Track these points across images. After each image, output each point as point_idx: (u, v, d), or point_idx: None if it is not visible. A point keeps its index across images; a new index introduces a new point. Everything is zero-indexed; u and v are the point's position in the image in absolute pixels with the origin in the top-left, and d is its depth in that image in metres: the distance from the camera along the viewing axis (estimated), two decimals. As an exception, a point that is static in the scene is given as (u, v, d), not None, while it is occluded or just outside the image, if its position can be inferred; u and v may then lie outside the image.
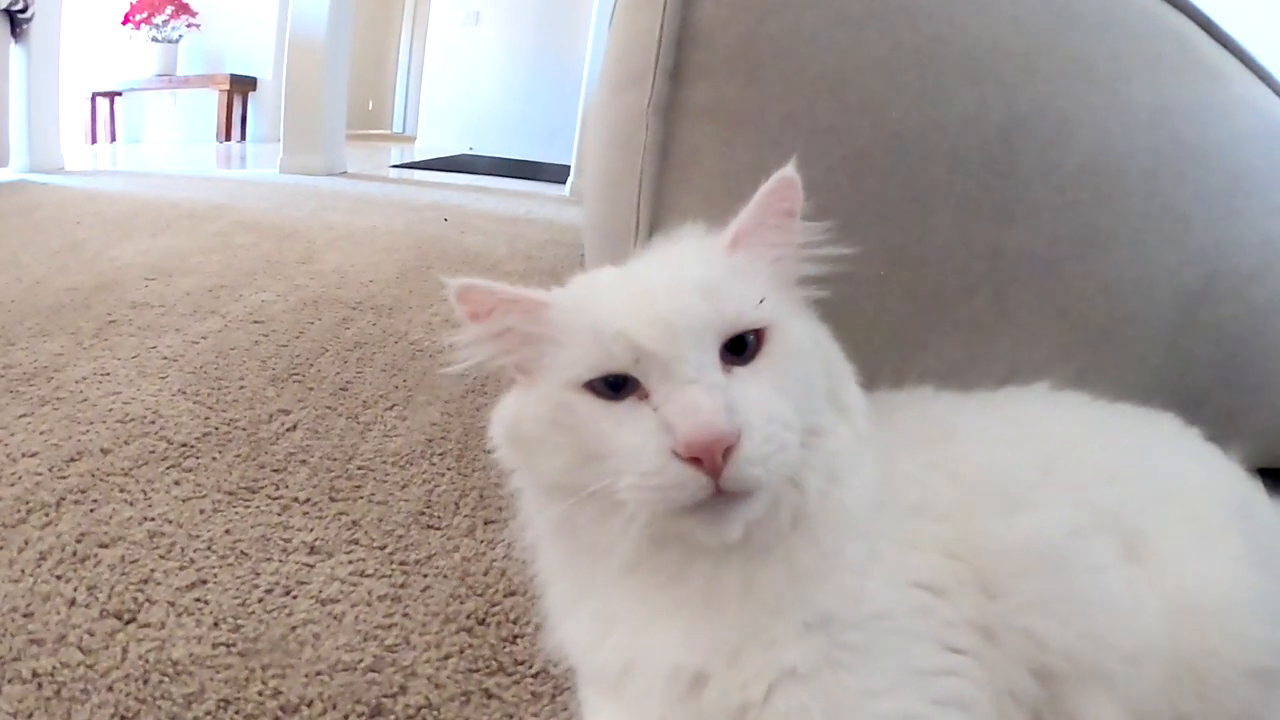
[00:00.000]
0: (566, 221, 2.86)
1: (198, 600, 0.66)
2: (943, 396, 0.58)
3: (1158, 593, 0.47)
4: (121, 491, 0.81)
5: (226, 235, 2.06)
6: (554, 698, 0.59)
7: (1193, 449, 0.58)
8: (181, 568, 0.70)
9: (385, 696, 0.58)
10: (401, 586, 0.70)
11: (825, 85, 0.64)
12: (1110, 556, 0.47)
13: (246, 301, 1.49)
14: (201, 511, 0.79)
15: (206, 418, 1.00)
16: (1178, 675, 0.45)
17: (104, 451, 0.89)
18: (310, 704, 0.56)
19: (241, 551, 0.73)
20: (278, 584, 0.69)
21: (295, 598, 0.68)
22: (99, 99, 5.00)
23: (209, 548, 0.73)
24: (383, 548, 0.76)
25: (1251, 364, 0.82)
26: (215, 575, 0.70)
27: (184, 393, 1.06)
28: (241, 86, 5.29)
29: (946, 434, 0.52)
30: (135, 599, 0.65)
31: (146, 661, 0.59)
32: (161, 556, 0.71)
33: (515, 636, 0.65)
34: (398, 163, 4.90)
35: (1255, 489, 0.57)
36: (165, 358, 1.18)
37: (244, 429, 0.98)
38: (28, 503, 0.77)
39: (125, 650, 0.60)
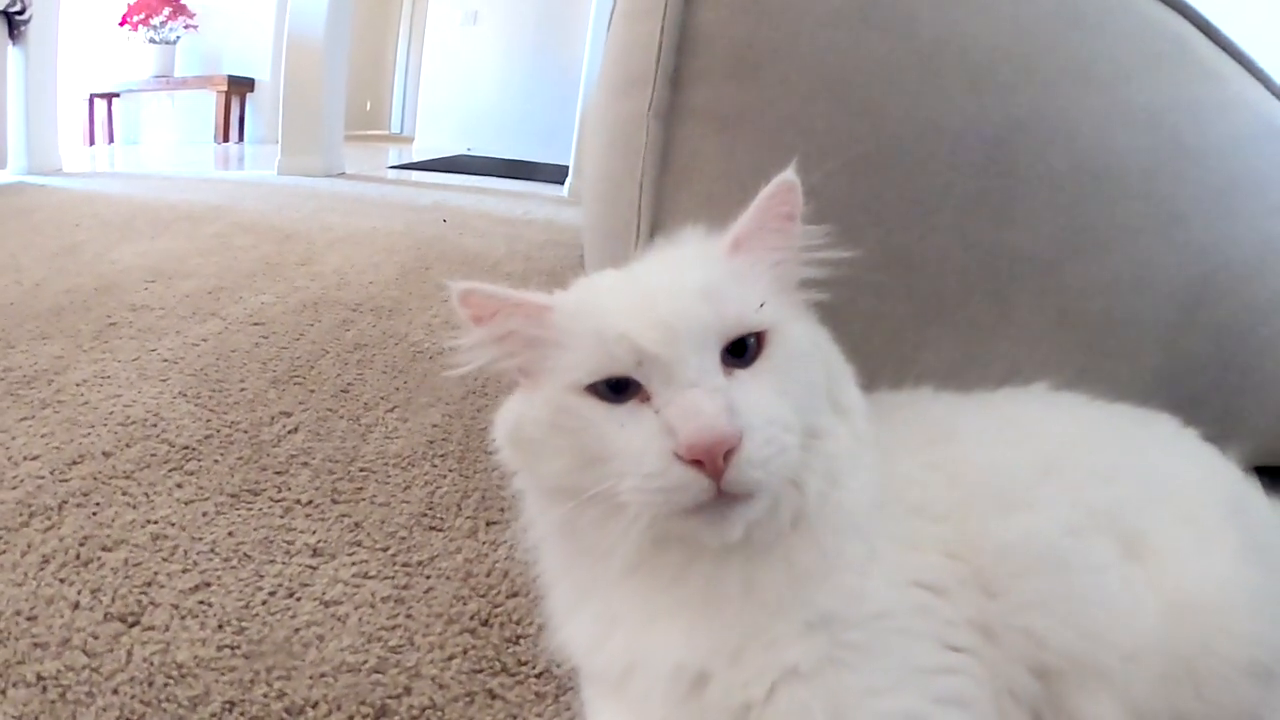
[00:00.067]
0: (565, 222, 2.86)
1: (201, 603, 0.66)
2: (942, 397, 0.58)
3: (1156, 591, 0.47)
4: (124, 494, 0.82)
5: (225, 237, 2.06)
6: (557, 698, 0.59)
7: (1190, 449, 0.58)
8: (185, 570, 0.70)
9: (390, 697, 0.58)
10: (404, 588, 0.71)
11: (825, 88, 0.65)
12: (1108, 556, 0.48)
13: (246, 303, 1.49)
14: (204, 514, 0.80)
15: (208, 420, 1.00)
16: (1176, 673, 0.46)
17: (105, 454, 0.89)
18: (315, 705, 0.57)
19: (244, 554, 0.74)
20: (281, 586, 0.69)
21: (299, 600, 0.68)
22: (97, 100, 5.00)
23: (212, 550, 0.74)
24: (385, 549, 0.76)
25: (1250, 364, 0.83)
26: (219, 578, 0.70)
27: (185, 395, 1.06)
28: (239, 88, 5.29)
29: (946, 435, 0.53)
30: (139, 602, 0.66)
31: (151, 664, 0.59)
32: (165, 559, 0.72)
33: (518, 637, 0.65)
34: (396, 163, 4.90)
35: (1252, 488, 0.58)
36: (165, 360, 1.18)
37: (245, 431, 0.98)
38: (30, 506, 0.78)
39: (130, 653, 0.60)
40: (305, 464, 0.91)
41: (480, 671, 0.61)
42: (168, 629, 0.63)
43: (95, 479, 0.84)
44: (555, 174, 4.31)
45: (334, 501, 0.84)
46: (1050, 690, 0.45)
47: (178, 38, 5.08)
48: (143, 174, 3.44)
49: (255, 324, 1.37)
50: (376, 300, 1.58)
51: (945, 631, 0.45)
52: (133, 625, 0.63)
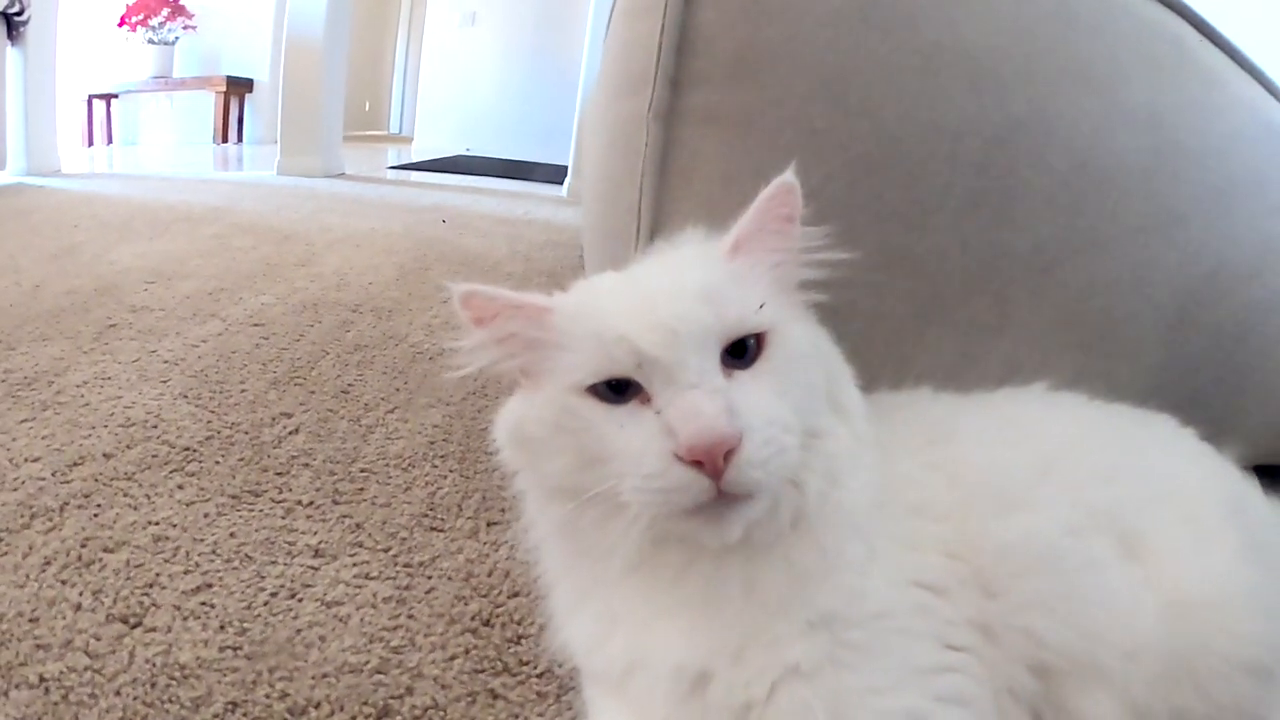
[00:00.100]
0: (564, 222, 2.87)
1: (203, 604, 0.66)
2: (941, 397, 0.59)
3: (1155, 590, 0.47)
4: (125, 496, 0.82)
5: (225, 238, 2.06)
6: (559, 697, 0.59)
7: (1188, 449, 0.59)
8: (186, 571, 0.71)
9: (392, 698, 0.58)
10: (406, 588, 0.71)
11: (824, 90, 0.65)
12: (1108, 555, 0.48)
13: (246, 304, 1.49)
14: (205, 515, 0.80)
15: (208, 421, 1.00)
16: (1175, 671, 0.46)
17: (106, 456, 0.89)
18: (318, 706, 0.57)
19: (246, 555, 0.74)
20: (283, 587, 0.70)
21: (300, 600, 0.68)
22: (95, 101, 5.00)
23: (213, 551, 0.74)
24: (387, 550, 0.77)
25: (1249, 363, 0.83)
26: (220, 579, 0.70)
27: (185, 396, 1.07)
28: (238, 88, 5.29)
29: (945, 435, 0.53)
30: (141, 603, 0.66)
31: (153, 665, 0.59)
32: (166, 560, 0.72)
33: (520, 637, 0.65)
34: (395, 164, 4.90)
35: (1251, 487, 0.58)
36: (166, 361, 1.18)
37: (246, 432, 0.98)
38: (31, 508, 0.78)
39: (132, 654, 0.60)
40: (306, 465, 0.91)
41: (482, 671, 0.62)
42: (170, 630, 0.63)
43: (96, 480, 0.84)
44: (554, 174, 4.31)
45: (335, 502, 0.84)
46: (1050, 689, 0.45)
47: (176, 38, 5.08)
48: (141, 175, 3.44)
49: (255, 325, 1.38)
50: (376, 301, 1.58)
51: (945, 631, 0.45)
52: (135, 626, 0.63)
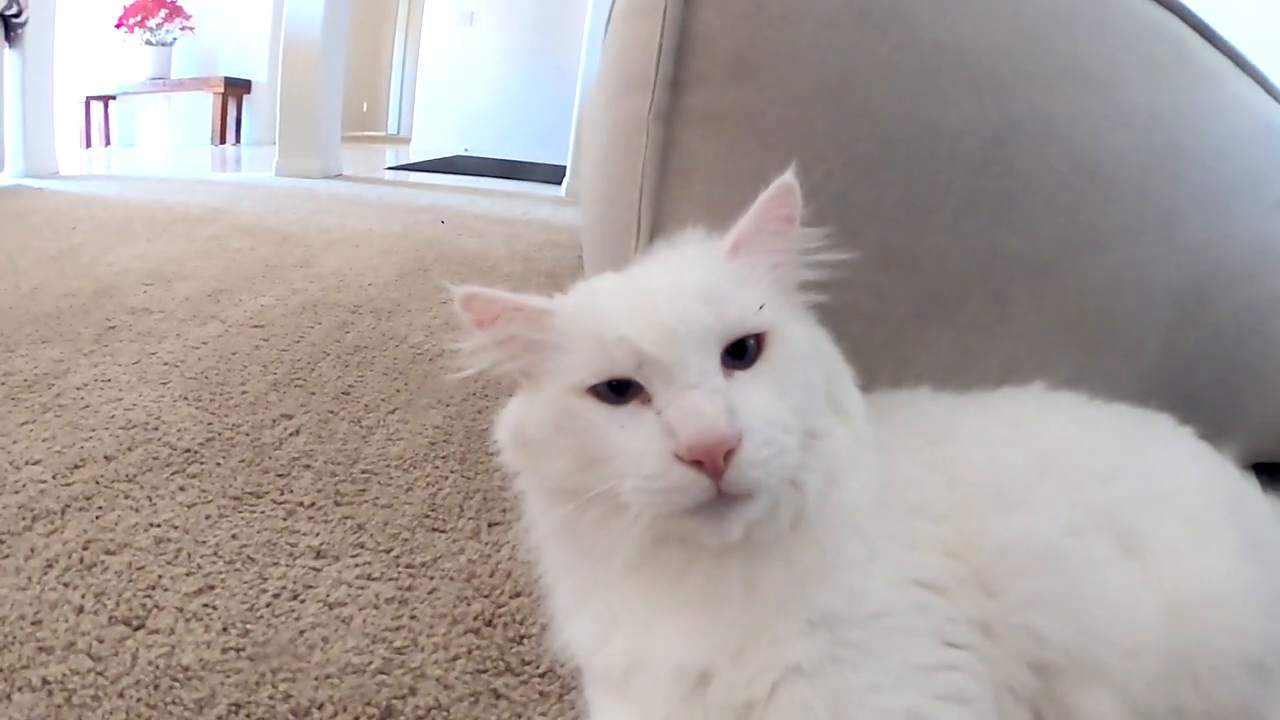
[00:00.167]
0: (563, 222, 2.87)
1: (206, 605, 0.67)
2: (941, 397, 0.59)
3: (1154, 589, 0.47)
4: (126, 498, 0.82)
5: (223, 239, 2.06)
6: (561, 697, 0.59)
7: (1188, 448, 0.59)
8: (189, 573, 0.71)
9: (395, 698, 0.58)
10: (408, 589, 0.71)
11: (824, 91, 0.65)
12: (1107, 554, 0.48)
13: (245, 306, 1.49)
14: (207, 517, 0.80)
15: (209, 423, 1.00)
16: (1174, 669, 0.46)
17: (107, 458, 0.89)
18: (321, 707, 0.57)
19: (248, 556, 0.74)
20: (285, 588, 0.70)
21: (303, 602, 0.68)
22: (93, 103, 4.99)
23: (215, 553, 0.74)
24: (388, 551, 0.77)
25: (1248, 362, 0.83)
26: (222, 580, 0.70)
27: (185, 398, 1.07)
28: (236, 89, 5.29)
29: (945, 435, 0.53)
30: (143, 605, 0.66)
31: (156, 667, 0.59)
32: (168, 562, 0.72)
33: (522, 637, 0.66)
34: (393, 164, 4.90)
35: (1250, 486, 0.58)
36: (166, 363, 1.18)
37: (247, 434, 0.98)
38: (33, 510, 0.78)
39: (135, 656, 0.60)
40: (307, 466, 0.92)
41: (484, 671, 0.62)
42: (172, 632, 0.63)
43: (97, 483, 0.84)
44: (552, 174, 4.31)
45: (336, 503, 0.85)
46: (1050, 687, 0.46)
47: (174, 39, 5.08)
48: (140, 176, 3.44)
49: (255, 326, 1.38)
50: (376, 302, 1.58)
51: (945, 629, 0.45)
52: (137, 628, 0.63)
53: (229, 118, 5.27)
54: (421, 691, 0.59)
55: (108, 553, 0.72)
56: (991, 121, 0.67)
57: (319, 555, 0.75)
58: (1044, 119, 0.69)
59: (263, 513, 0.82)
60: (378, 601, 0.69)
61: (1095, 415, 0.59)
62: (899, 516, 0.48)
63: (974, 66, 0.66)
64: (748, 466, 0.39)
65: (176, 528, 0.77)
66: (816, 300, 0.50)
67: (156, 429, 0.97)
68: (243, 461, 0.91)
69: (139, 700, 0.56)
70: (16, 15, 2.78)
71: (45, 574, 0.69)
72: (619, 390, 0.42)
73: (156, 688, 0.57)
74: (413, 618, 0.67)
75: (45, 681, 0.57)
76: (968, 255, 0.70)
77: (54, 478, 0.84)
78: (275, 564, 0.73)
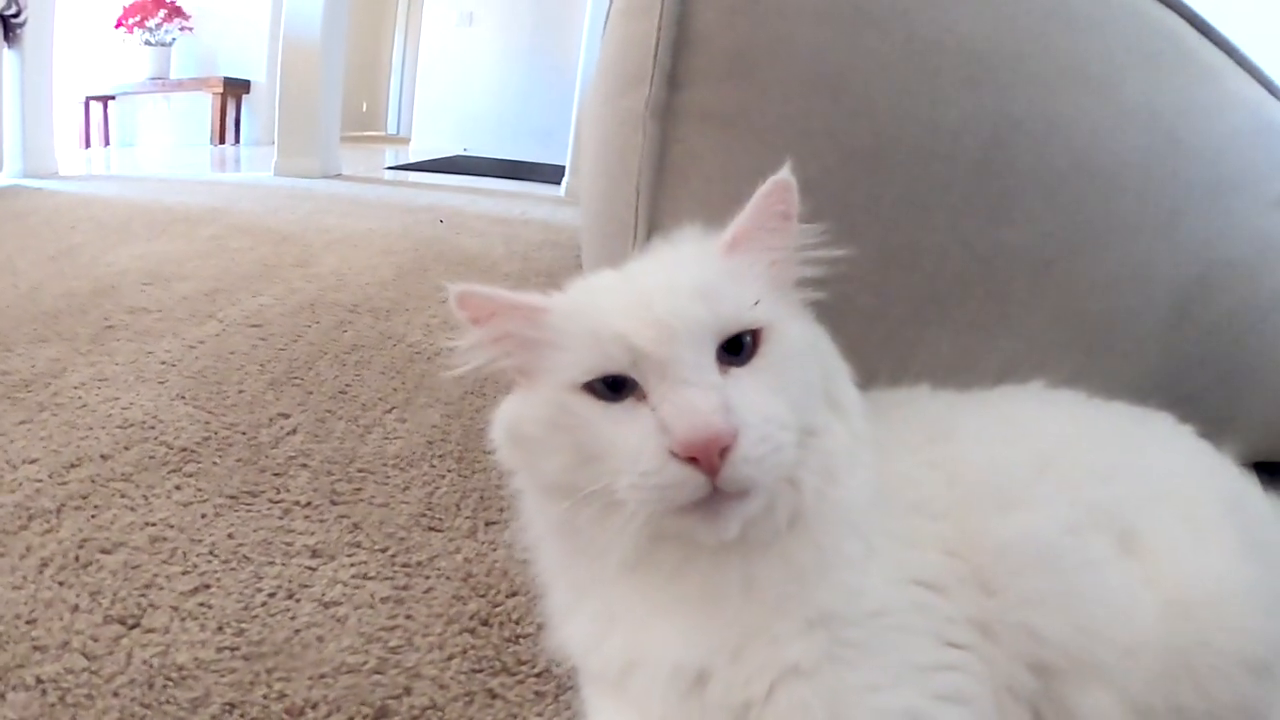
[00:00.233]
0: (562, 222, 2.87)
1: (201, 605, 0.66)
2: (940, 395, 0.59)
3: (1154, 588, 0.47)
4: (122, 497, 0.82)
5: (222, 239, 2.06)
6: (557, 697, 0.59)
7: (1186, 446, 0.59)
8: (184, 572, 0.70)
9: (390, 698, 0.58)
10: (404, 588, 0.71)
11: (821, 88, 0.65)
12: (1106, 553, 0.48)
13: (244, 305, 1.49)
14: (203, 516, 0.80)
15: (206, 422, 1.00)
16: (1174, 668, 0.46)
17: (104, 457, 0.89)
18: (315, 706, 0.57)
19: (244, 555, 0.74)
20: (280, 588, 0.69)
21: (298, 601, 0.68)
22: (92, 103, 4.99)
23: (211, 552, 0.74)
24: (384, 550, 0.76)
25: (1246, 360, 0.83)
26: (218, 579, 0.70)
27: (183, 397, 1.06)
28: (235, 89, 5.28)
29: (944, 433, 0.53)
30: (138, 604, 0.66)
31: (151, 666, 0.59)
32: (164, 561, 0.72)
33: (518, 637, 0.65)
34: (393, 164, 4.89)
35: (1249, 484, 0.58)
36: (163, 363, 1.18)
37: (244, 433, 0.98)
38: (29, 509, 0.77)
39: (129, 655, 0.60)
40: (304, 465, 0.91)
41: (480, 671, 0.61)
42: (167, 631, 0.63)
43: (94, 481, 0.84)
44: (552, 174, 4.31)
45: (333, 502, 0.84)
46: (1049, 687, 0.45)
47: (173, 40, 5.08)
48: (139, 176, 3.43)
49: (253, 326, 1.37)
50: (374, 301, 1.58)
51: (944, 629, 0.45)
52: (132, 627, 0.63)
53: (228, 118, 5.27)
54: (417, 691, 0.59)
55: (103, 551, 0.72)
56: (991, 119, 0.67)
57: (315, 554, 0.75)
58: (1043, 117, 0.69)
59: (259, 512, 0.81)
60: (373, 601, 0.69)
61: (1094, 413, 0.59)
62: (898, 514, 0.48)
63: (973, 64, 0.66)
64: (743, 463, 0.39)
65: (172, 526, 0.77)
66: (815, 297, 0.50)
67: (153, 428, 0.97)
68: (239, 460, 0.91)
69: (133, 699, 0.56)
70: (15, 15, 2.78)
71: (41, 573, 0.68)
72: (615, 387, 0.42)
73: (151, 687, 0.57)
74: (408, 617, 0.67)
75: (39, 680, 0.57)
76: (966, 253, 0.70)
77: (50, 477, 0.84)
78: (271, 563, 0.73)
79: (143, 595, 0.67)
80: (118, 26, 4.89)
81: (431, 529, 0.81)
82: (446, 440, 1.00)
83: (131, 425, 0.97)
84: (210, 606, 0.66)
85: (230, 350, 1.25)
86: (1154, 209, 0.73)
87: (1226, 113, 0.76)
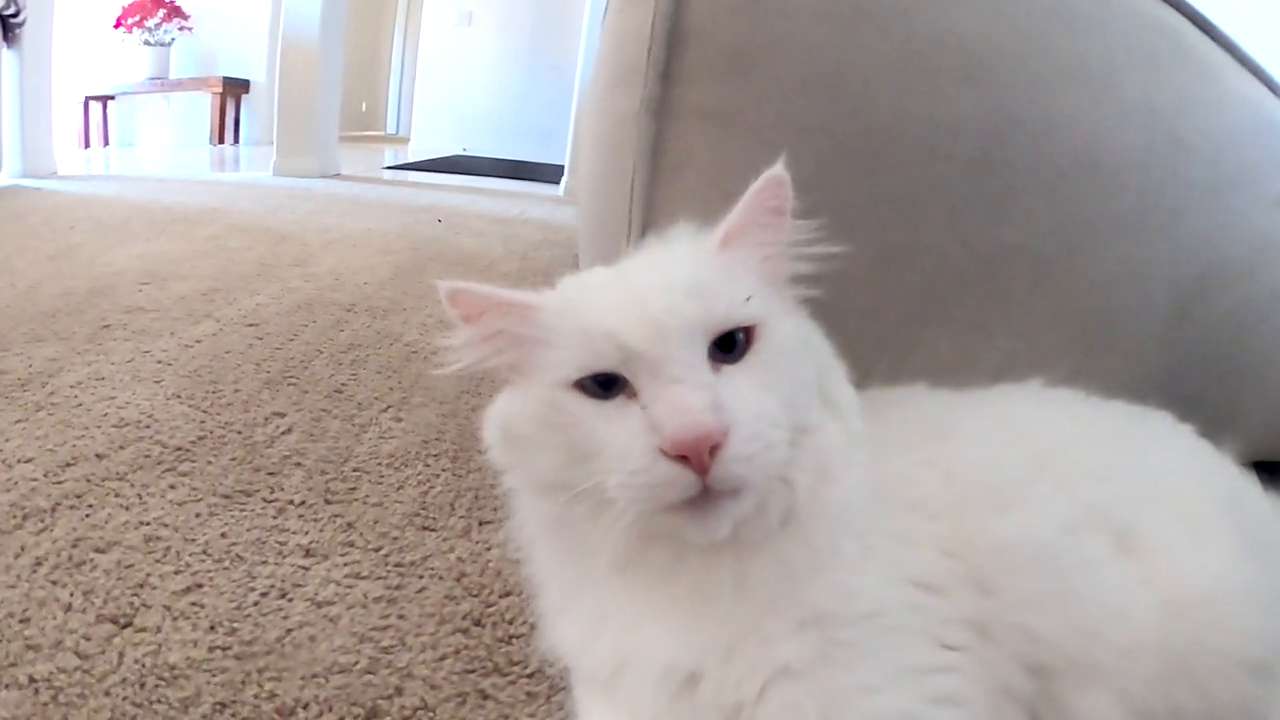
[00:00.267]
0: (561, 222, 2.86)
1: (193, 604, 0.66)
2: (936, 394, 0.58)
3: (1152, 588, 0.47)
4: (117, 496, 0.81)
5: (220, 239, 2.06)
6: (549, 698, 0.59)
7: (1185, 445, 0.58)
8: (177, 572, 0.70)
9: (381, 698, 0.58)
10: (397, 588, 0.70)
11: (818, 84, 0.64)
12: (1104, 553, 0.47)
13: (241, 305, 1.48)
14: (197, 515, 0.79)
15: (201, 421, 0.99)
16: (1172, 668, 0.45)
17: (99, 456, 0.89)
18: (306, 706, 0.56)
19: (237, 555, 0.73)
20: (273, 587, 0.69)
21: (291, 600, 0.68)
22: (91, 103, 4.99)
23: (204, 551, 0.73)
24: (378, 549, 0.76)
25: (1245, 359, 0.83)
26: (211, 579, 0.69)
27: (178, 397, 1.06)
28: (234, 89, 5.28)
29: (941, 432, 0.52)
30: (131, 603, 0.65)
31: (143, 666, 0.59)
32: (157, 561, 0.71)
33: (511, 637, 0.65)
34: (391, 164, 4.89)
35: (1249, 484, 0.58)
36: (160, 362, 1.17)
37: (239, 432, 0.97)
38: (23, 508, 0.77)
39: (122, 655, 0.59)
40: (298, 464, 0.91)
41: (472, 671, 0.61)
42: (160, 630, 0.63)
43: (88, 481, 0.83)
44: (551, 174, 4.31)
45: (327, 502, 0.84)
46: (1046, 688, 0.45)
47: (172, 39, 5.07)
48: (138, 176, 3.43)
49: (249, 325, 1.37)
50: (371, 301, 1.58)
51: (940, 629, 0.44)
52: (125, 627, 0.63)
53: (227, 117, 5.27)
54: (408, 691, 0.58)
55: (97, 551, 0.72)
56: (990, 117, 0.67)
57: (308, 554, 0.74)
58: (1043, 115, 0.68)
59: (253, 511, 0.81)
60: (366, 600, 0.68)
61: (1093, 412, 0.59)
62: (894, 514, 0.47)
63: (971, 61, 0.66)
64: (734, 462, 0.38)
65: (166, 526, 0.77)
66: (811, 295, 0.49)
67: (149, 427, 0.97)
68: (234, 459, 0.91)
69: (125, 699, 0.55)
70: (14, 15, 2.78)
71: (34, 572, 0.68)
72: (606, 385, 0.42)
73: (142, 686, 0.57)
74: (401, 617, 0.66)
75: (32, 679, 0.56)
76: (964, 251, 0.70)
77: (45, 475, 0.83)
78: (264, 562, 0.72)
79: (135, 594, 0.66)
80: (117, 26, 4.89)
81: (425, 528, 0.80)
82: (442, 439, 1.00)
83: (127, 424, 0.97)
84: (203, 606, 0.66)
85: (226, 349, 1.24)
86: (1154, 208, 0.73)
87: (1227, 111, 0.76)
